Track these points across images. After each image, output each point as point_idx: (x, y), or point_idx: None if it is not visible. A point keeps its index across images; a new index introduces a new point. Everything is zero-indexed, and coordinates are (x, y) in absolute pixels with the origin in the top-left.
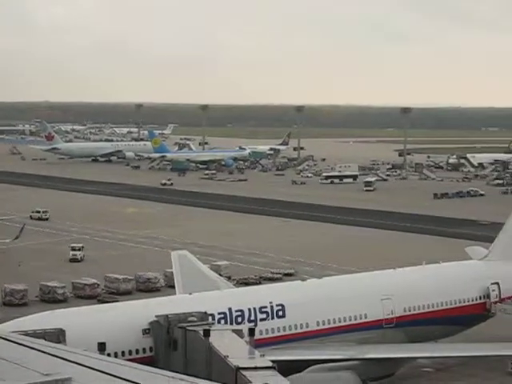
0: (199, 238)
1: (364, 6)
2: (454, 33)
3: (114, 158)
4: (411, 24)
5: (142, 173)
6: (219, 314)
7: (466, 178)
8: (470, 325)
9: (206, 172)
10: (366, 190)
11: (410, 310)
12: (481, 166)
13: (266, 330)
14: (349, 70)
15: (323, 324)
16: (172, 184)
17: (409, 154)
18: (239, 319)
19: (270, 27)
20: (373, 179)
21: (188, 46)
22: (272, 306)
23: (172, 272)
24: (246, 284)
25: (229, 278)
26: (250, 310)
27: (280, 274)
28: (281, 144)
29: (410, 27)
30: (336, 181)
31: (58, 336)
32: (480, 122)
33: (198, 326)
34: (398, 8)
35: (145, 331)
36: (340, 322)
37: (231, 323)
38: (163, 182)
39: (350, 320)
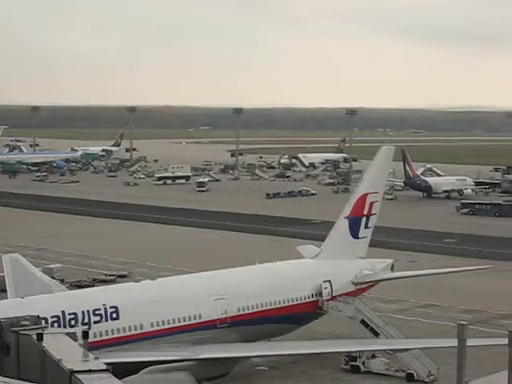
0: (31, 241)
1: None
2: (277, 34)
3: None
4: (232, 23)
5: None
6: (52, 317)
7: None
8: (303, 323)
9: (38, 174)
10: (199, 191)
11: (243, 310)
12: (312, 165)
13: (100, 332)
14: (181, 70)
15: (158, 325)
16: None
17: (241, 154)
18: (73, 322)
19: (99, 27)
20: (205, 180)
21: (15, 46)
22: (106, 308)
23: (3, 276)
24: (80, 287)
25: (62, 281)
26: (83, 312)
27: (113, 275)
28: (113, 145)
29: (231, 26)
30: (169, 182)
31: None
32: (310, 123)
33: (30, 330)
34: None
35: None
36: (174, 322)
37: (65, 326)
38: None
39: (185, 321)
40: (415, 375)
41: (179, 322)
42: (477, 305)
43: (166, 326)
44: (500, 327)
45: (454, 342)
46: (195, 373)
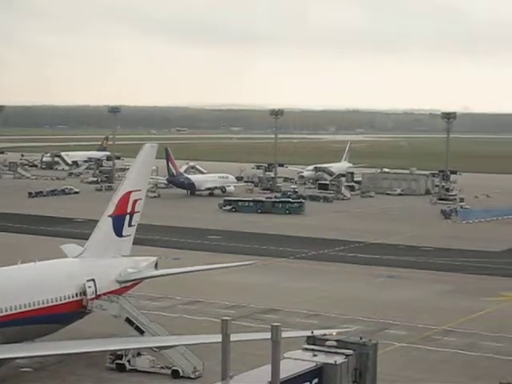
0: None
1: None
2: (34, 30)
3: None
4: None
5: None
6: None
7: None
8: (67, 322)
9: None
10: None
11: (5, 311)
12: (75, 163)
13: None
14: None
15: None
16: None
17: (2, 152)
18: None
19: None
20: None
21: None
22: None
23: None
24: None
25: None
26: None
27: None
28: None
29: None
30: None
31: None
32: (73, 120)
33: None
34: None
35: None
36: None
37: None
38: None
39: None
40: (181, 371)
41: None
42: (240, 300)
43: None
44: (263, 321)
45: (218, 338)
46: None
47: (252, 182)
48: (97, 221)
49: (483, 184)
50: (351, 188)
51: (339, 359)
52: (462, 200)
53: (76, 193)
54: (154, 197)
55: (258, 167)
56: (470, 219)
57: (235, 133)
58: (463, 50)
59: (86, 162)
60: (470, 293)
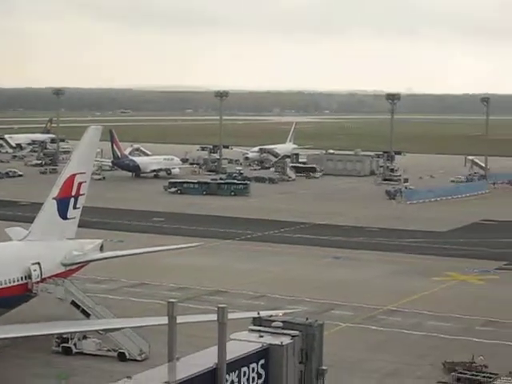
0: None
1: None
2: None
3: None
4: None
5: None
6: None
7: None
8: (13, 306)
9: None
10: None
11: None
12: (19, 146)
13: None
14: None
15: None
16: None
17: None
18: None
19: None
20: None
21: None
22: None
23: None
24: None
25: None
26: None
27: None
28: None
29: None
30: None
31: None
32: (17, 103)
33: None
34: None
35: None
36: None
37: None
38: None
39: None
40: (127, 354)
41: None
42: (186, 282)
43: None
44: (209, 303)
45: (165, 320)
46: None
47: (197, 164)
48: (41, 204)
49: (427, 164)
50: (312, 169)
51: (285, 340)
52: (406, 180)
53: (20, 176)
54: (99, 179)
55: (203, 149)
56: (415, 199)
57: (187, 115)
58: (405, 31)
59: (30, 144)
60: (416, 273)
